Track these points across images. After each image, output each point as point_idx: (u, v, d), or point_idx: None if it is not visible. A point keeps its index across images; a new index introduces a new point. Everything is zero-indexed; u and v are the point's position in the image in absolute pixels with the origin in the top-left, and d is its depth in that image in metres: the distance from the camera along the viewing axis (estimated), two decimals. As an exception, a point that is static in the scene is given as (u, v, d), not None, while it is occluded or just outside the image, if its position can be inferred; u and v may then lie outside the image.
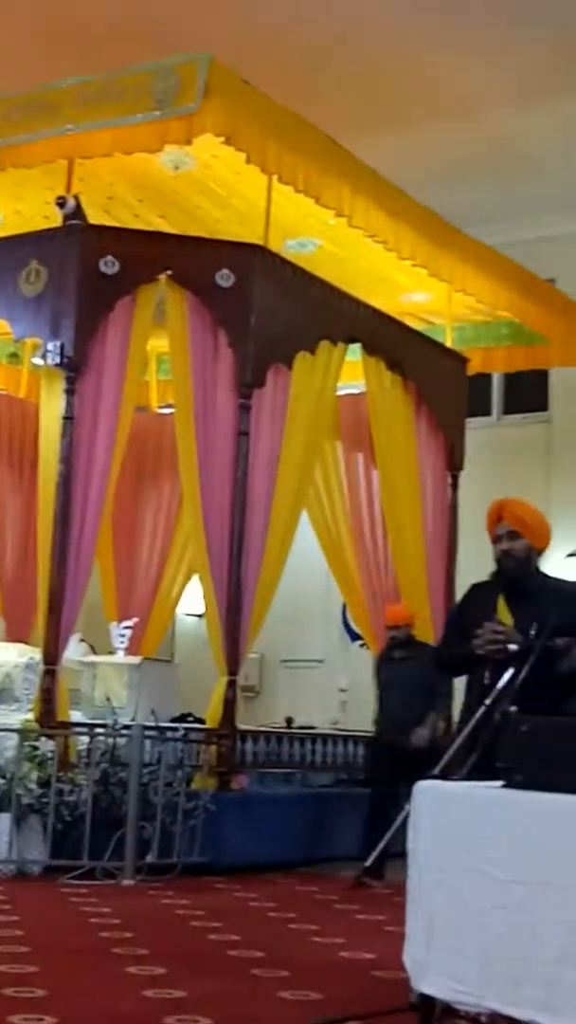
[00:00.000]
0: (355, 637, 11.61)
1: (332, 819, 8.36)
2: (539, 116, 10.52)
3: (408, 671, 7.93)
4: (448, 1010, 3.66)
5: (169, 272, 8.17)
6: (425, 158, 10.79)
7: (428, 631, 9.22)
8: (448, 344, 10.39)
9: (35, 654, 8.39)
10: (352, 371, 9.50)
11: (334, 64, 10.11)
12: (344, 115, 9.64)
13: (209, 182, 8.66)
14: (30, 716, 7.71)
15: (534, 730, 3.23)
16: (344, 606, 11.13)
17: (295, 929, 5.81)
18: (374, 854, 7.20)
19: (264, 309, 8.24)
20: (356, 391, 9.88)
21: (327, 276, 8.89)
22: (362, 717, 11.41)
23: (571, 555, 4.14)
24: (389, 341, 9.61)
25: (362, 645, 10.69)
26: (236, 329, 8.17)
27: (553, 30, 9.45)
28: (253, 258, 8.26)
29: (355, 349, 9.30)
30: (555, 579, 4.69)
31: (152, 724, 7.74)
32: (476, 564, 5.20)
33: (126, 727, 7.51)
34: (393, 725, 7.98)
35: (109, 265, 8.02)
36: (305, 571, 11.28)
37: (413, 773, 7.25)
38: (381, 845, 7.13)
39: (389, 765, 7.89)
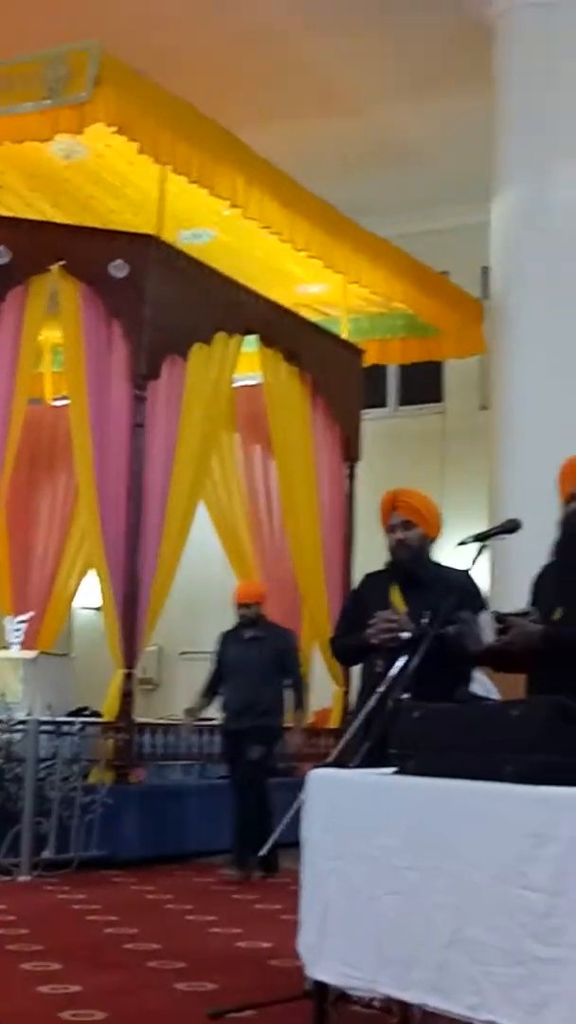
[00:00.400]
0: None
1: (230, 810, 8.36)
2: (431, 109, 10.62)
3: (257, 652, 7.54)
4: (343, 996, 3.69)
5: (62, 262, 8.09)
6: (319, 150, 10.83)
7: (325, 621, 9.27)
8: (344, 335, 10.44)
9: None
10: (249, 362, 9.50)
11: (227, 56, 10.10)
12: (237, 107, 9.64)
13: (102, 171, 8.59)
14: None
15: (425, 717, 3.26)
16: (242, 597, 11.12)
17: (192, 920, 5.81)
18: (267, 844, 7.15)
19: (159, 300, 8.20)
20: (253, 382, 9.89)
21: (222, 267, 8.87)
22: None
23: (462, 543, 4.17)
24: (285, 332, 9.62)
25: (260, 636, 10.68)
26: (130, 320, 8.12)
27: (441, 24, 9.53)
28: (147, 248, 8.21)
29: (251, 340, 9.30)
30: (447, 568, 4.74)
31: (48, 719, 7.67)
32: (373, 554, 5.24)
33: (21, 722, 7.42)
34: (235, 710, 7.54)
35: (0, 255, 7.92)
36: (203, 563, 11.26)
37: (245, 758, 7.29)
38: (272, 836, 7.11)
39: (230, 751, 7.67)
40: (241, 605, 7.77)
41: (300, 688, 7.75)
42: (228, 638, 7.77)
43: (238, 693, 7.54)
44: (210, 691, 7.73)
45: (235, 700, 7.56)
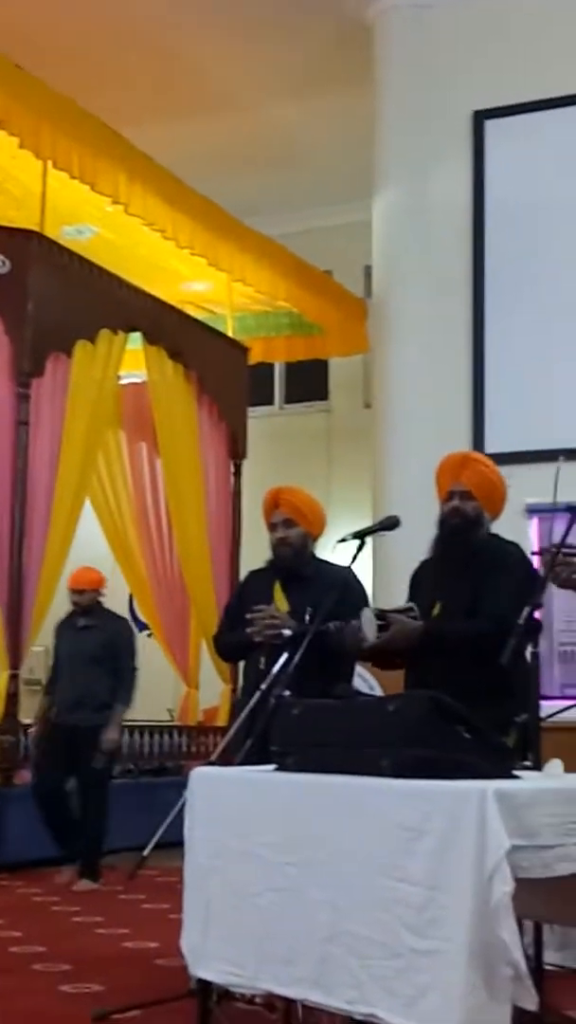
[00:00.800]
0: (142, 627, 11.57)
1: (118, 810, 8.30)
2: (315, 108, 10.67)
3: (90, 642, 7.21)
4: (226, 994, 3.71)
5: (-58, 258, 7.97)
6: (202, 148, 10.81)
7: (212, 618, 9.27)
8: (229, 333, 10.44)
9: None
10: (134, 360, 9.46)
11: (108, 51, 10.03)
12: (119, 103, 9.59)
13: (-18, 166, 8.48)
14: None
15: (305, 713, 3.29)
16: (130, 596, 11.09)
17: (79, 922, 5.77)
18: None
19: (41, 296, 8.11)
20: (138, 380, 9.84)
21: (105, 263, 8.81)
22: (151, 707, 11.40)
23: (342, 540, 4.21)
24: (170, 330, 9.59)
25: (149, 635, 10.66)
26: (13, 316, 8.02)
27: (324, 23, 9.58)
28: (29, 244, 8.11)
29: (136, 338, 9.26)
30: (330, 564, 4.78)
31: None
32: (259, 551, 5.25)
33: None
34: (69, 703, 7.17)
35: None
36: (89, 562, 11.17)
37: (84, 759, 7.10)
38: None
39: (64, 749, 7.15)
40: (74, 591, 7.39)
41: (127, 681, 7.28)
42: (63, 627, 7.45)
43: (72, 685, 7.18)
44: (52, 686, 7.37)
45: (68, 693, 7.19)
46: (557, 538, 3.68)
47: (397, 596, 4.49)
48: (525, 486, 6.52)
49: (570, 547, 3.83)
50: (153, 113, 10.42)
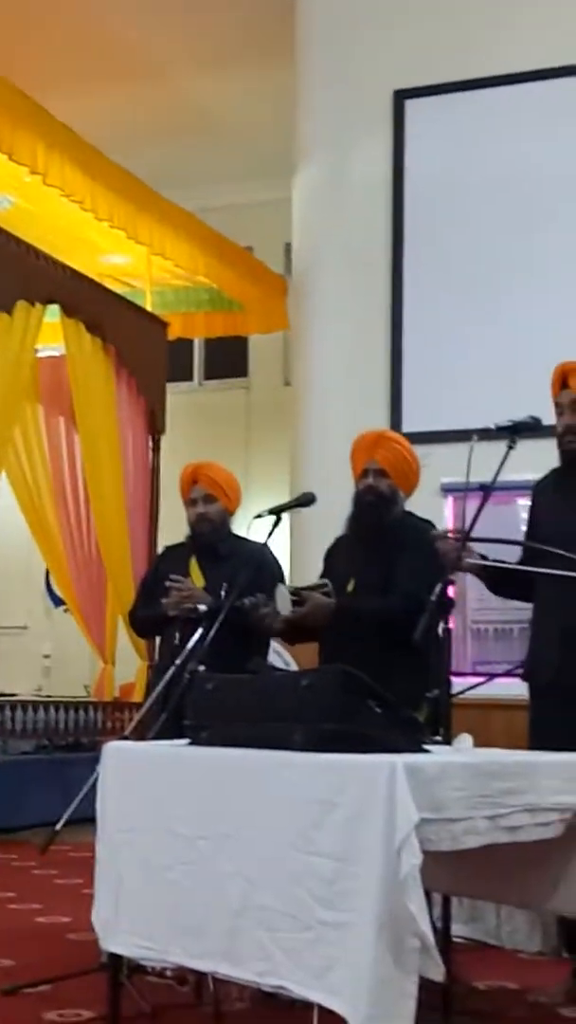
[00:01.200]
0: (58, 602, 11.50)
1: (33, 786, 8.27)
2: (237, 81, 10.61)
3: None
4: (138, 968, 3.73)
5: None
6: (123, 119, 10.71)
7: (129, 594, 9.23)
8: (148, 308, 10.37)
9: None
10: (52, 333, 9.36)
11: (25, 19, 9.88)
12: (37, 72, 9.46)
13: None
14: None
15: (218, 688, 3.30)
16: (47, 571, 11.01)
17: (-9, 898, 5.75)
18: None
19: (-43, 267, 8.00)
20: (56, 353, 9.74)
21: (23, 234, 8.69)
22: (66, 683, 11.35)
23: (258, 517, 4.23)
24: (88, 303, 9.49)
25: (65, 611, 10.60)
26: None
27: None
28: (-55, 214, 8.00)
29: (54, 310, 9.16)
30: (246, 540, 4.80)
31: None
32: (177, 527, 5.25)
33: None
34: None
35: None
36: (6, 536, 11.11)
37: None
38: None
39: None
40: None
41: None
42: None
43: None
44: None
45: None
46: (470, 517, 3.73)
47: (314, 573, 4.52)
48: (442, 465, 6.58)
49: (462, 531, 3.87)
50: (73, 83, 10.28)
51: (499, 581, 4.11)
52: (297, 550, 8.12)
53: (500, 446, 3.67)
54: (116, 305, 9.96)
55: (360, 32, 8.81)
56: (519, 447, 3.74)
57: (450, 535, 3.93)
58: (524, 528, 4.24)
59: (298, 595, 4.16)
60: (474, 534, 3.77)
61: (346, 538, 4.44)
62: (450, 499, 7.38)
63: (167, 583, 4.54)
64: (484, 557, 3.98)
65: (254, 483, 9.89)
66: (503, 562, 3.99)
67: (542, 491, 4.18)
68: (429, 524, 4.29)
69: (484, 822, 2.78)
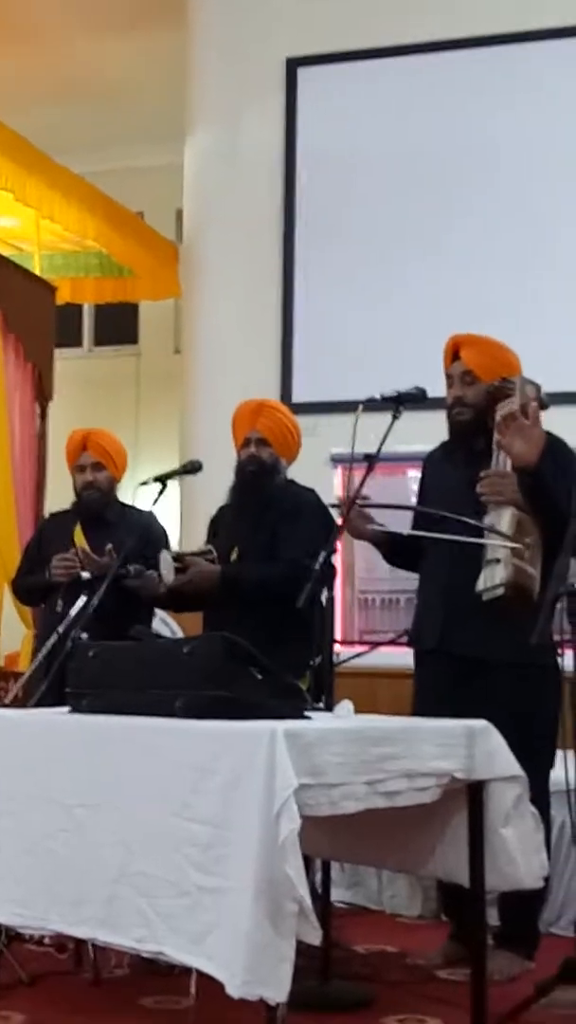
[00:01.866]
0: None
1: None
2: (127, 44, 10.45)
3: None
4: (16, 936, 3.71)
5: None
6: (10, 80, 10.49)
7: (15, 562, 9.11)
8: (36, 272, 10.20)
9: None
10: None
11: None
12: None
13: None
14: None
15: (99, 655, 3.28)
16: None
17: None
18: None
19: None
20: None
21: None
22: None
23: (143, 484, 4.21)
24: (-26, 266, 9.32)
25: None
26: None
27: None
28: None
29: None
30: (132, 508, 4.79)
31: None
32: (63, 495, 5.19)
33: None
34: None
35: None
36: None
37: None
38: None
39: None
40: None
41: None
42: None
43: None
44: None
45: None
46: (361, 487, 3.75)
47: (203, 540, 4.52)
48: (331, 435, 6.61)
49: (365, 498, 3.91)
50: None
51: (396, 550, 4.15)
52: (187, 518, 8.09)
53: (389, 417, 3.69)
54: (3, 268, 9.78)
55: (253, -3, 8.75)
56: (410, 419, 3.76)
57: (355, 503, 3.95)
58: (414, 499, 4.27)
59: (181, 561, 4.15)
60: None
61: (230, 507, 4.44)
62: (339, 469, 7.40)
63: (59, 556, 4.49)
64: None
65: (143, 451, 9.83)
66: (412, 534, 4.03)
67: (432, 462, 4.22)
68: (312, 492, 4.31)
69: (363, 787, 2.80)
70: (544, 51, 7.55)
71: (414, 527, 4.09)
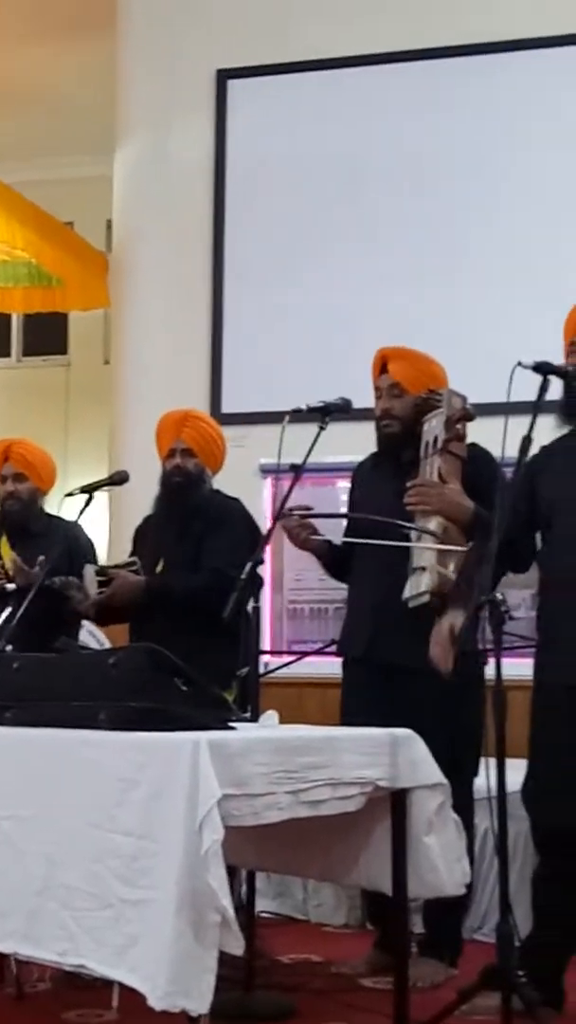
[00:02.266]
0: None
1: None
2: (56, 55, 10.41)
3: None
4: None
5: None
6: None
7: None
8: (-35, 281, 10.13)
9: None
10: None
11: None
12: None
13: None
14: None
15: (24, 667, 3.26)
16: None
17: None
18: None
19: None
20: None
21: None
22: None
23: (69, 495, 4.20)
24: None
25: None
26: None
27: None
28: None
29: None
30: (59, 519, 4.76)
31: None
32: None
33: None
34: None
35: None
36: None
37: None
38: None
39: None
40: None
41: None
42: None
43: None
44: None
45: None
46: (288, 497, 3.77)
47: (129, 552, 4.51)
48: (260, 446, 6.62)
49: (306, 509, 3.93)
50: None
51: (337, 561, 4.15)
52: (115, 529, 8.07)
53: (316, 428, 3.72)
54: None
55: (184, 9, 8.75)
56: (339, 430, 3.80)
57: (295, 513, 3.96)
58: (344, 509, 4.30)
59: (105, 574, 4.15)
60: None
61: (155, 517, 4.45)
62: (268, 480, 7.42)
63: None
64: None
65: (73, 462, 9.78)
66: (346, 541, 4.05)
67: (361, 473, 4.25)
68: (237, 502, 4.32)
69: (286, 797, 2.81)
70: (469, 64, 7.67)
71: (346, 536, 4.12)
